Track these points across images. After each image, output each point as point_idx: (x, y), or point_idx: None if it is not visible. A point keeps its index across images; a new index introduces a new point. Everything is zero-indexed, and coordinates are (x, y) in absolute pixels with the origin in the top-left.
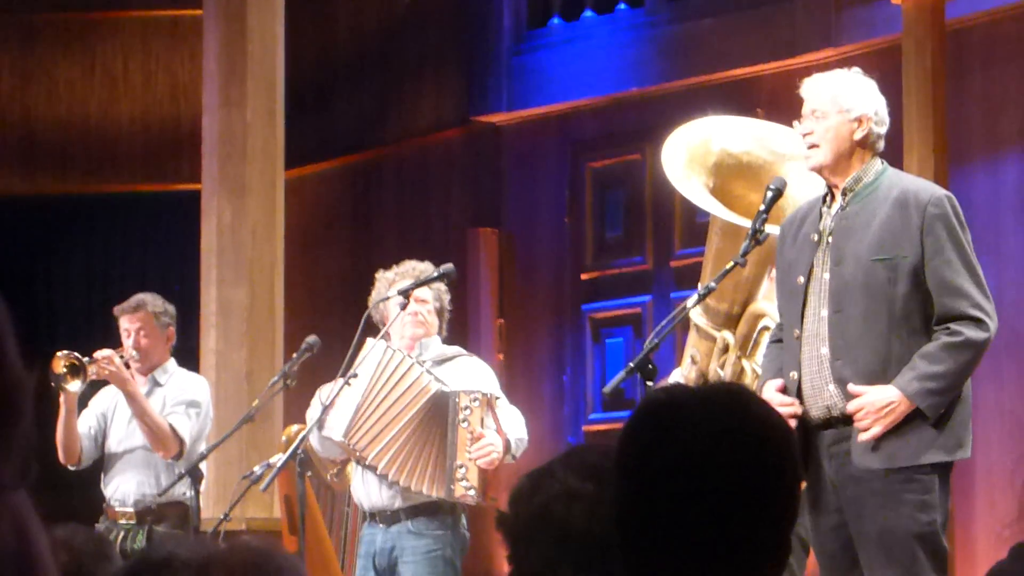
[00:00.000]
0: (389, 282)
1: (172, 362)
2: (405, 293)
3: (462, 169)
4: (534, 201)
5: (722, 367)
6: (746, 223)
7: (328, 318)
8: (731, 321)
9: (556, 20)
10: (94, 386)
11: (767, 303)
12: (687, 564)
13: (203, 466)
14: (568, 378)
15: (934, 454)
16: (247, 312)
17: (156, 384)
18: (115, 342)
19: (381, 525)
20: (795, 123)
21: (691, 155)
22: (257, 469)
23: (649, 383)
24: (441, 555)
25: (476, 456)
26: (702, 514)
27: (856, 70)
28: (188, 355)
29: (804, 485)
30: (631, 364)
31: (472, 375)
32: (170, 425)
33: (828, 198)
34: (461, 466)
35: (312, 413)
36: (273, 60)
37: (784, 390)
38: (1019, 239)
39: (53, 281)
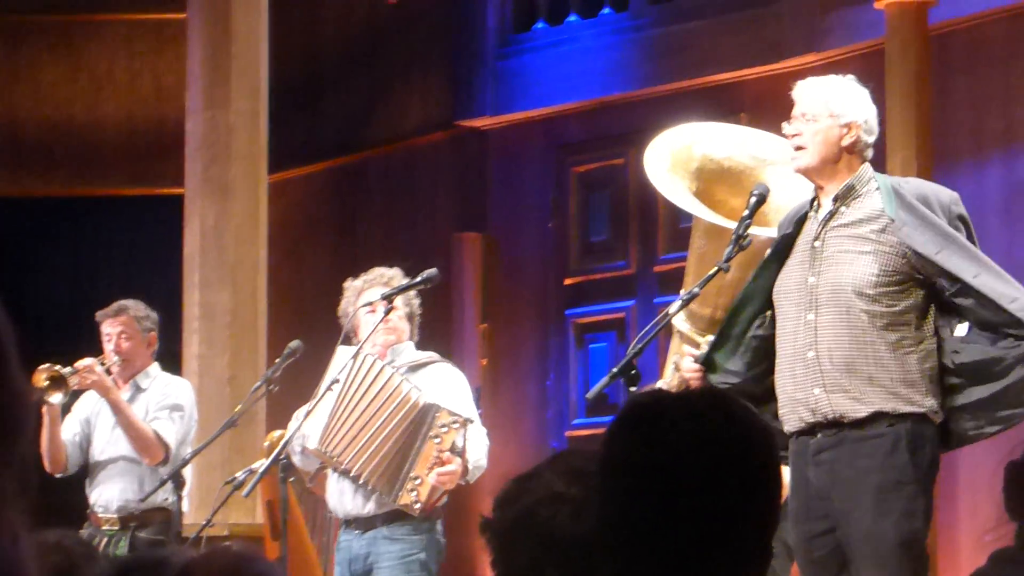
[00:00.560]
0: (357, 290)
1: (155, 367)
2: (389, 298)
3: (447, 173)
4: (519, 205)
5: None
6: (731, 225)
7: (312, 322)
8: (714, 326)
9: (541, 24)
10: (77, 391)
11: None
12: (670, 568)
13: (186, 471)
14: (551, 383)
15: None
16: (230, 316)
17: (139, 389)
18: (100, 344)
19: (357, 531)
20: (784, 124)
21: (674, 160)
22: (240, 474)
23: (632, 388)
24: (417, 560)
25: (437, 478)
26: (685, 518)
27: (851, 77)
28: (171, 359)
29: (787, 491)
30: (614, 369)
31: (445, 382)
32: (154, 431)
33: (815, 203)
34: (416, 478)
35: (292, 424)
36: (257, 63)
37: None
38: (1004, 241)
39: (38, 283)
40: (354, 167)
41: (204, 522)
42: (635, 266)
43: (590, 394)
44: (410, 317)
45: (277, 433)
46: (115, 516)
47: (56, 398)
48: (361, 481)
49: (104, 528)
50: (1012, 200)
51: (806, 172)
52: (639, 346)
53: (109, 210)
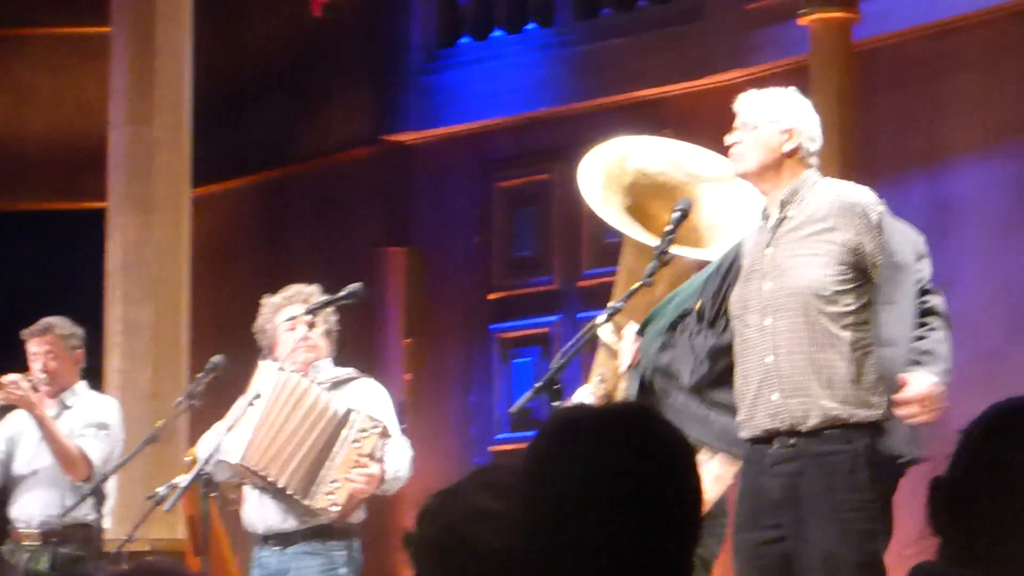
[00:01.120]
0: (275, 307)
1: (82, 384)
2: (313, 312)
3: (372, 187)
4: (444, 220)
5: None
6: (677, 250)
7: (235, 338)
8: None
9: (466, 39)
10: (3, 407)
11: None
12: None
13: (108, 487)
14: (475, 398)
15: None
16: (152, 331)
17: (64, 407)
18: (24, 359)
19: (276, 547)
20: (727, 136)
21: (608, 173)
22: (161, 490)
23: (555, 403)
24: (334, 573)
25: (353, 483)
26: (604, 533)
27: (792, 89)
28: (93, 374)
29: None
30: (538, 384)
31: (368, 397)
32: (79, 448)
33: (765, 211)
34: (335, 480)
35: (209, 438)
36: (181, 77)
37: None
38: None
39: None
40: (279, 182)
41: (126, 537)
42: (559, 281)
43: (514, 409)
44: (328, 334)
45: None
46: (37, 531)
47: None
48: (280, 485)
49: (25, 544)
50: (935, 218)
51: (747, 177)
52: (563, 360)
53: (32, 225)
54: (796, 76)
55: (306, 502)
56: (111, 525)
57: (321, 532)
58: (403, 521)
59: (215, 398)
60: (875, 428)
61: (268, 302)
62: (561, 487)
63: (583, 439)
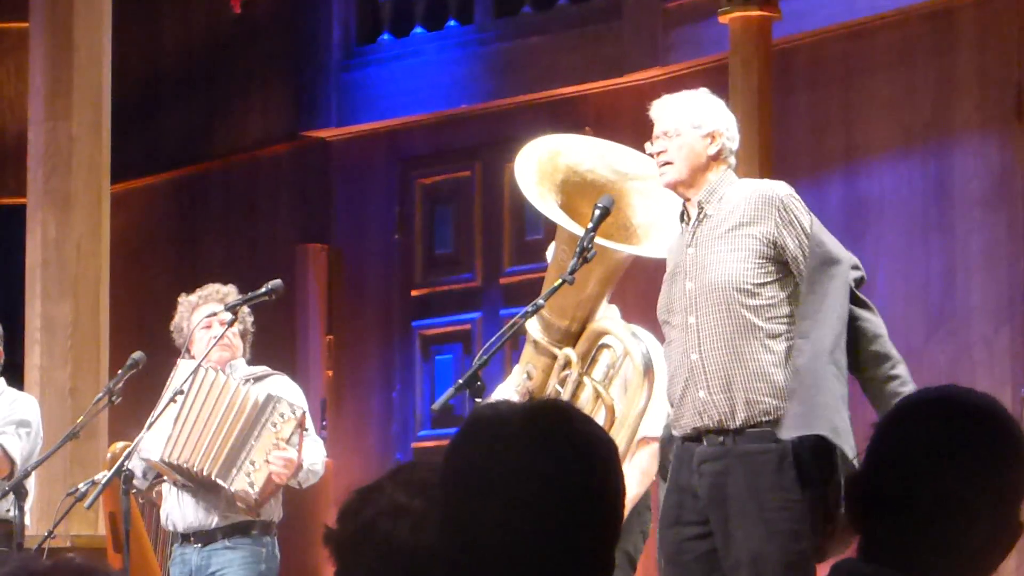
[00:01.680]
0: (192, 306)
1: (0, 381)
2: (233, 309)
3: (290, 184)
4: (363, 217)
5: (562, 384)
6: (608, 244)
7: (154, 334)
8: (569, 338)
9: (386, 36)
10: None
11: (612, 322)
12: None
13: (28, 483)
14: (397, 395)
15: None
16: (71, 328)
17: None
18: None
19: (196, 545)
20: (647, 145)
21: (540, 171)
22: (82, 486)
23: (478, 400)
24: (258, 569)
25: (274, 463)
26: (525, 530)
27: (704, 90)
28: (13, 371)
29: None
30: (460, 381)
31: (284, 394)
32: (1, 446)
33: (684, 214)
34: (253, 463)
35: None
36: (99, 73)
37: None
38: None
39: None
40: (195, 178)
41: (46, 534)
42: (481, 278)
43: (436, 405)
44: (243, 334)
45: (119, 445)
46: None
47: None
48: (200, 471)
49: None
50: (852, 217)
51: (675, 186)
52: (485, 358)
53: None
54: (715, 75)
55: (224, 484)
56: (31, 522)
57: (241, 528)
58: (324, 518)
59: (134, 394)
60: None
61: (184, 300)
62: (481, 484)
63: (502, 436)
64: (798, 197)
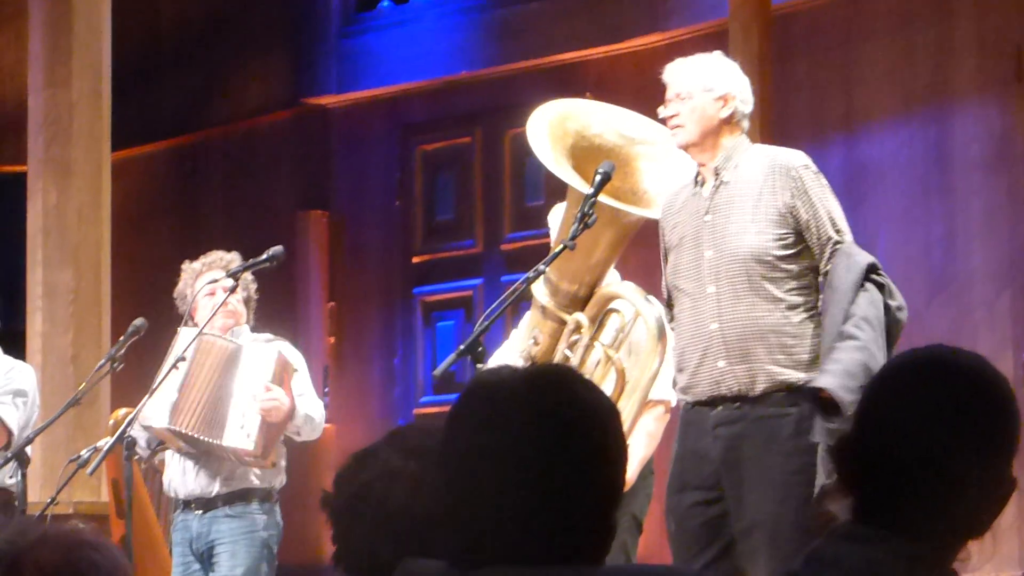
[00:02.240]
0: (195, 273)
1: None
2: (235, 275)
3: (291, 151)
4: (364, 184)
5: (571, 349)
6: (618, 204)
7: (155, 301)
8: (577, 303)
9: (386, 2)
10: None
11: (623, 287)
12: (512, 544)
13: (29, 450)
14: (399, 361)
15: None
16: (73, 295)
17: None
18: None
19: (197, 512)
20: (660, 108)
21: (552, 135)
22: (84, 453)
23: (479, 365)
24: (259, 536)
25: (260, 404)
26: (526, 495)
27: (718, 53)
28: (15, 339)
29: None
30: (461, 347)
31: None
32: None
33: (699, 178)
34: (242, 414)
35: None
36: (99, 41)
37: None
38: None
39: None
40: (196, 146)
41: (49, 501)
42: (481, 245)
43: (437, 371)
44: (247, 301)
45: (121, 411)
46: None
47: None
48: (193, 435)
49: None
50: (853, 182)
51: (687, 148)
52: (486, 323)
53: None
54: (714, 40)
55: (222, 443)
56: (33, 488)
57: (242, 495)
58: (324, 484)
59: (136, 361)
60: (820, 389)
61: (188, 268)
62: (482, 449)
63: (504, 401)
64: (814, 166)
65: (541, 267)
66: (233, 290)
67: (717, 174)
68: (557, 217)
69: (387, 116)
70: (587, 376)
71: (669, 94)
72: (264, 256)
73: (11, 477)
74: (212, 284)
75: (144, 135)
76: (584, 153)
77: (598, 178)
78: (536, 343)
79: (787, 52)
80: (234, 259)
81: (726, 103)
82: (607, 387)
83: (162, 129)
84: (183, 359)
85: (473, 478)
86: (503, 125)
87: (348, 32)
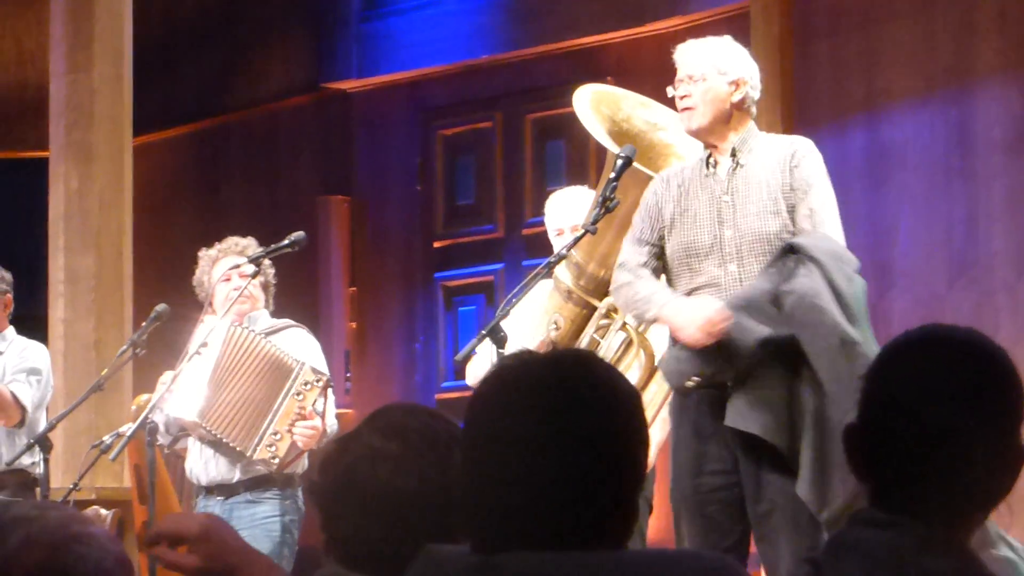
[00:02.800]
0: (212, 259)
1: (10, 330)
2: (257, 261)
3: (311, 136)
4: (384, 168)
5: (599, 333)
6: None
7: (177, 286)
8: (602, 286)
9: None
10: None
11: None
12: (534, 529)
13: (52, 435)
14: (420, 346)
15: None
16: (95, 280)
17: None
18: None
19: (219, 497)
20: (669, 89)
21: (597, 114)
22: (107, 438)
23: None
24: (279, 520)
25: (300, 433)
26: (549, 479)
27: (728, 37)
28: (36, 324)
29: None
30: (483, 331)
31: (299, 346)
32: (12, 393)
33: (711, 160)
34: (276, 433)
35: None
36: (120, 25)
37: None
38: (866, 205)
39: None
40: (216, 130)
41: (71, 486)
42: (503, 229)
43: (459, 356)
44: (265, 286)
45: (144, 397)
46: None
47: None
48: (221, 437)
49: None
50: (875, 164)
51: (698, 132)
52: (507, 308)
53: None
54: (736, 23)
55: (248, 454)
56: (55, 474)
57: (263, 481)
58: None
59: (159, 346)
60: None
61: (204, 255)
62: (503, 433)
63: (527, 385)
64: (817, 152)
65: (562, 251)
66: (255, 276)
67: (734, 155)
68: (550, 207)
69: (408, 100)
70: (616, 361)
71: (681, 75)
72: (286, 241)
73: (29, 458)
74: (232, 270)
75: (164, 120)
76: (614, 137)
77: (620, 162)
78: (557, 327)
79: (808, 33)
80: (250, 244)
81: (738, 87)
82: (634, 371)
83: (182, 114)
84: (204, 345)
85: (496, 462)
86: (524, 109)
87: (369, 15)
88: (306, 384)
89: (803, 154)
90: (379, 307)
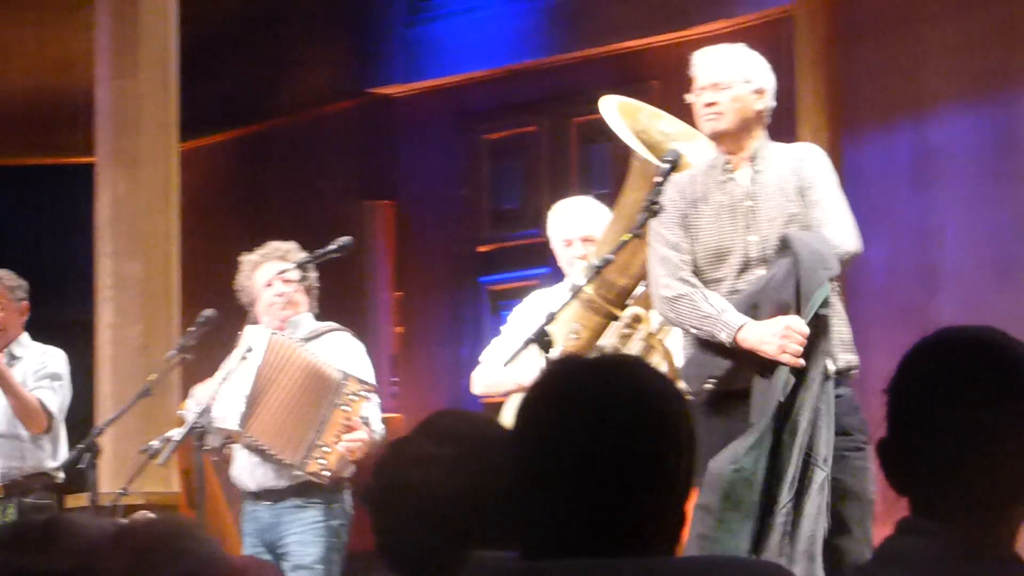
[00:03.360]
0: (254, 264)
1: (26, 336)
2: (303, 266)
3: (356, 141)
4: (429, 173)
5: (623, 342)
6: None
7: (224, 291)
8: (622, 295)
9: None
10: None
11: None
12: (582, 536)
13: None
14: (466, 350)
15: None
16: (142, 285)
17: (13, 357)
18: None
19: (267, 503)
20: (688, 96)
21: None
22: (155, 443)
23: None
24: (326, 524)
25: (347, 446)
26: (597, 485)
27: (743, 45)
28: (82, 329)
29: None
30: (529, 336)
31: (343, 350)
32: (38, 399)
33: (728, 166)
34: (323, 446)
35: (188, 412)
36: (166, 31)
37: None
38: (912, 207)
39: None
40: (261, 136)
41: (120, 491)
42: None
43: (505, 361)
44: (308, 289)
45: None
46: None
47: None
48: (269, 452)
49: None
50: (922, 167)
51: (723, 135)
52: (554, 313)
53: (16, 180)
54: (780, 26)
55: (297, 471)
56: (103, 479)
57: (311, 486)
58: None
59: (206, 351)
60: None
61: (246, 260)
62: (552, 439)
63: (576, 391)
64: (823, 155)
65: (609, 256)
66: (303, 279)
67: (754, 160)
68: (557, 217)
69: (452, 105)
70: None
71: (703, 82)
72: (334, 246)
73: (53, 462)
74: (279, 275)
75: (208, 125)
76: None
77: (666, 166)
78: (577, 336)
79: (853, 36)
80: (292, 249)
81: (762, 96)
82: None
83: (227, 119)
84: (250, 349)
85: (546, 468)
86: (568, 113)
87: (413, 21)
88: (351, 395)
89: (810, 156)
90: (424, 312)
